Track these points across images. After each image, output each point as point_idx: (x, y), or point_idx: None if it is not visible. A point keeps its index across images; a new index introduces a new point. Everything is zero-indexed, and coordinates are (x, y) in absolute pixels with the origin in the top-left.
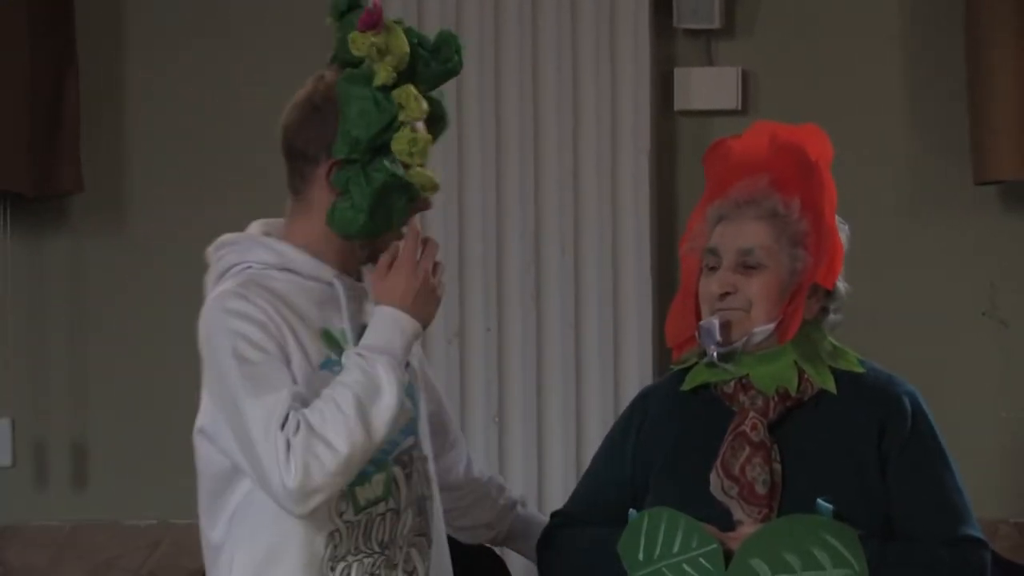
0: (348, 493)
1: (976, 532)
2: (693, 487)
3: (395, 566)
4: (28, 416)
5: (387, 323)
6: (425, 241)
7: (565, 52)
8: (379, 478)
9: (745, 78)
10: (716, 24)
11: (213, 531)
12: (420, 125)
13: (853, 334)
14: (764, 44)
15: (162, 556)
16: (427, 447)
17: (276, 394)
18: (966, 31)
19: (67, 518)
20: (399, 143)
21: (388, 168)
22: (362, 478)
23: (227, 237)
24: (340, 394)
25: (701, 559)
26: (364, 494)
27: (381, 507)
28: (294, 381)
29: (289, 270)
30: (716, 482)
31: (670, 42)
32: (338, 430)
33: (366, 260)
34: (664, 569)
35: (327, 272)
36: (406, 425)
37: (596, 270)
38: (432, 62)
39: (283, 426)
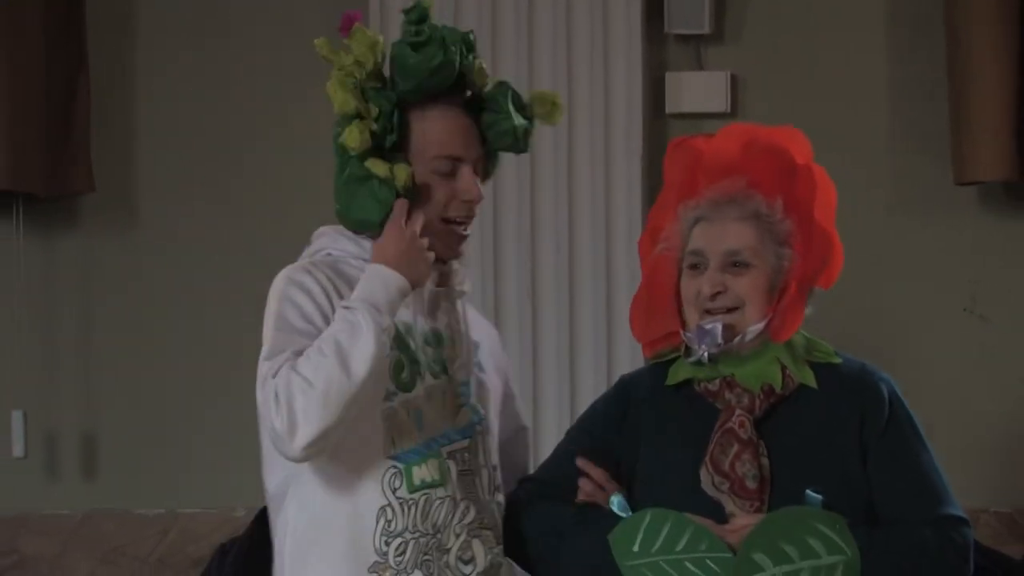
0: (404, 471)
1: (957, 511)
2: (683, 483)
3: (447, 550)
4: (40, 409)
5: (373, 278)
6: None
7: (560, 57)
8: (434, 463)
9: (734, 82)
10: (706, 30)
11: (270, 483)
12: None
13: (838, 329)
14: (752, 49)
15: (170, 544)
16: (493, 457)
17: (285, 354)
18: (947, 38)
19: (77, 507)
20: (344, 137)
21: (351, 162)
22: (418, 458)
23: (323, 228)
24: (323, 340)
25: (709, 561)
26: (420, 474)
27: (440, 492)
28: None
29: (367, 260)
30: (707, 478)
31: (661, 47)
32: (316, 368)
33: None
34: (662, 563)
35: None
36: (463, 427)
37: (591, 268)
38: (411, 58)
39: (275, 374)
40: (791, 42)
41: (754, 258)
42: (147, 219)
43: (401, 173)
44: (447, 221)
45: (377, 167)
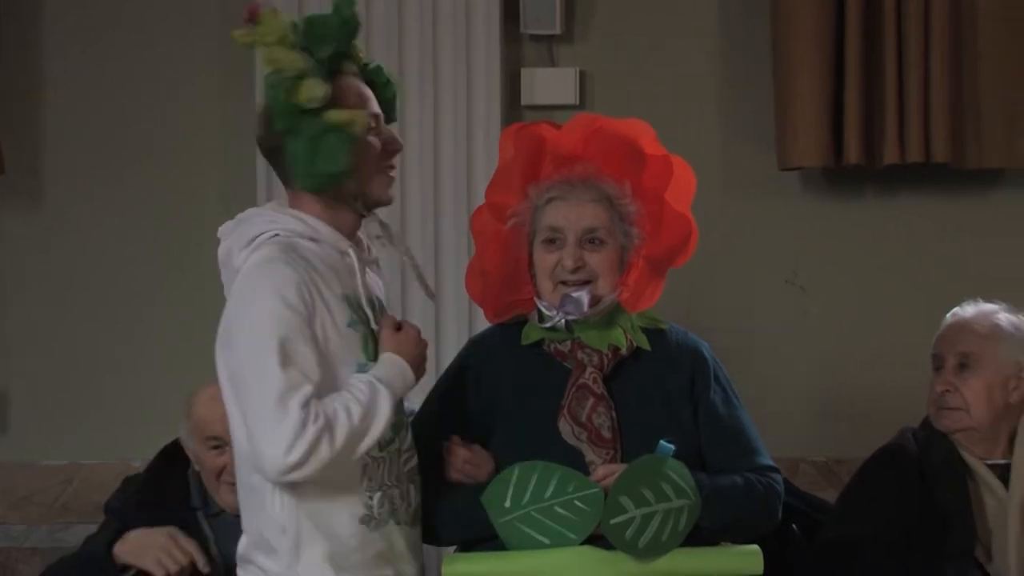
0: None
1: (770, 461)
2: (543, 434)
3: (403, 497)
4: None
5: (392, 367)
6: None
7: (427, 55)
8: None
9: (582, 77)
10: (557, 30)
11: (252, 477)
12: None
13: (677, 300)
14: (599, 48)
15: (74, 492)
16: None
17: (300, 375)
18: (772, 41)
19: None
20: (298, 95)
21: (310, 120)
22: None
23: (251, 211)
24: (352, 407)
25: (577, 501)
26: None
27: (394, 446)
28: (318, 354)
29: (313, 239)
30: (566, 428)
31: (518, 46)
32: (342, 433)
33: (365, 209)
34: (533, 512)
35: (343, 242)
36: None
37: (454, 241)
38: (316, 25)
39: (303, 406)
40: (633, 42)
41: (607, 236)
42: (53, 199)
43: (362, 118)
44: (384, 168)
45: (338, 116)
